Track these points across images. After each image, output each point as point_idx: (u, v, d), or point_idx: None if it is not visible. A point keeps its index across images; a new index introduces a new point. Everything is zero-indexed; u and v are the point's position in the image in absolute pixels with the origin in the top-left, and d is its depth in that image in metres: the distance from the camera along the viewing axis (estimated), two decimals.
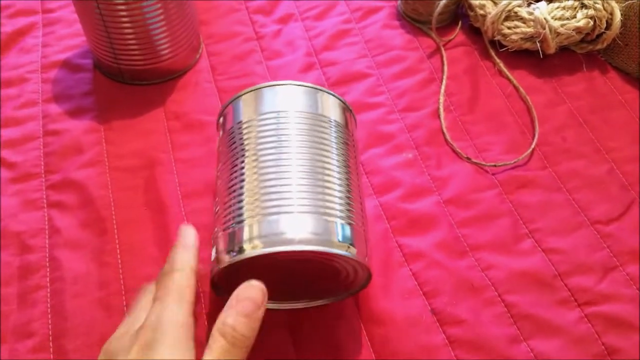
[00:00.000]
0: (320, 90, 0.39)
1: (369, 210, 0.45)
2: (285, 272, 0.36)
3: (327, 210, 0.33)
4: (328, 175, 0.35)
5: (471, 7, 0.55)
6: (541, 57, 0.53)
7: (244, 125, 0.37)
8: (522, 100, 0.52)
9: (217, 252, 0.34)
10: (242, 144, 0.36)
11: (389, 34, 0.57)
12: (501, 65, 0.54)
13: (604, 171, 0.48)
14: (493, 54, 0.55)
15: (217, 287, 0.35)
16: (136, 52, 0.51)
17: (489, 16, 0.53)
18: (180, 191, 0.46)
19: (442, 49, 0.55)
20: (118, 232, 0.43)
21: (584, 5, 0.52)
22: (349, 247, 0.33)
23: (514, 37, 0.53)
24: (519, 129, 0.50)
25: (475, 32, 0.57)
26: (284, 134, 0.36)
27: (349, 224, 0.34)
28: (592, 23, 0.52)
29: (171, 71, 0.54)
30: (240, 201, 0.34)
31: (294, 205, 0.33)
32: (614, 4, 0.52)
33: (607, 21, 0.52)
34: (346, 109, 0.40)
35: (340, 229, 0.33)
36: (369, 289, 0.41)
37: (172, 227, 0.43)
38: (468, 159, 0.48)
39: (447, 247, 0.43)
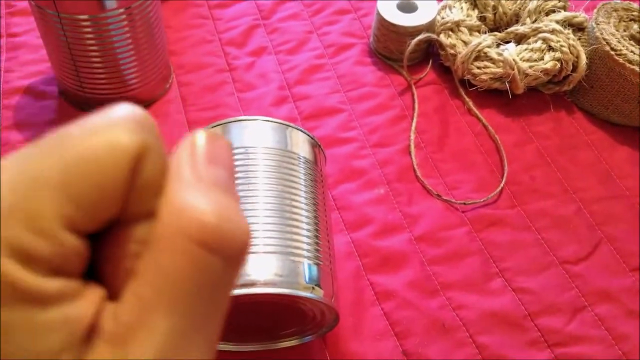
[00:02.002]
0: (290, 126, 0.38)
1: (340, 247, 0.45)
2: (250, 314, 0.34)
3: (294, 250, 0.32)
4: (296, 213, 0.34)
5: (442, 47, 0.56)
6: (510, 97, 0.54)
7: None
8: (491, 139, 0.53)
9: None
10: None
11: (361, 70, 0.58)
12: (470, 104, 0.55)
13: (572, 211, 0.48)
14: (463, 92, 0.55)
15: None
16: (103, 80, 0.49)
17: (460, 56, 0.54)
18: None
19: (413, 87, 0.56)
20: None
21: (551, 48, 0.54)
22: (314, 289, 0.32)
23: (483, 76, 0.54)
24: (488, 167, 0.51)
25: (445, 71, 0.58)
26: (252, 171, 0.35)
27: (316, 264, 0.33)
28: (559, 65, 0.53)
29: (139, 101, 0.52)
30: None
31: (259, 245, 0.31)
32: (580, 47, 0.54)
33: (573, 64, 0.54)
34: (315, 145, 0.40)
35: (306, 270, 0.32)
36: (339, 329, 0.40)
37: None
38: (438, 196, 0.48)
39: (418, 285, 0.43)
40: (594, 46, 0.53)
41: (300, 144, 0.38)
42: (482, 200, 0.48)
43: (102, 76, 0.49)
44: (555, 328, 0.41)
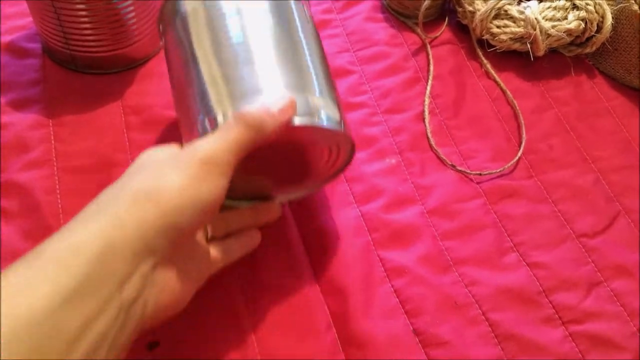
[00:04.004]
0: None
1: (349, 221, 0.43)
2: (265, 163, 0.34)
3: (303, 84, 0.32)
4: (299, 48, 0.34)
5: (460, 3, 0.52)
6: (531, 59, 0.51)
7: (189, 16, 0.35)
8: (509, 105, 0.50)
9: None
10: (191, 34, 0.34)
11: (372, 27, 0.54)
12: (488, 66, 0.52)
13: (590, 182, 0.47)
14: (480, 54, 0.52)
15: None
16: (91, 37, 0.46)
17: (478, 13, 0.51)
18: None
19: (428, 46, 0.53)
20: None
21: (575, 7, 0.50)
22: (333, 122, 0.32)
23: (503, 36, 0.50)
24: (505, 135, 0.49)
25: (462, 30, 0.54)
26: (235, 15, 0.33)
27: (331, 99, 0.33)
28: (583, 25, 0.50)
29: (132, 59, 0.49)
30: (210, 88, 0.32)
31: (271, 83, 0.31)
32: (605, 6, 0.50)
33: (598, 24, 0.50)
34: None
35: (320, 103, 0.32)
36: (347, 308, 0.39)
37: None
38: (453, 166, 0.46)
39: (430, 261, 0.42)
40: (621, 5, 0.50)
41: None
42: (498, 170, 0.46)
43: (89, 32, 0.45)
44: (570, 304, 0.40)
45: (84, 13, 0.44)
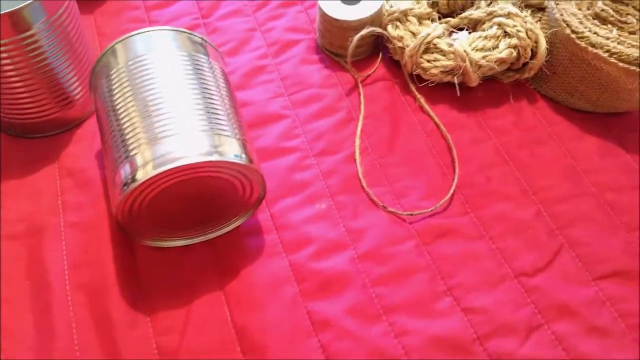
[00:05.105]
0: (173, 30, 0.41)
1: (277, 271, 0.42)
2: (188, 201, 0.37)
3: (212, 126, 0.36)
4: (208, 97, 0.38)
5: (390, 40, 0.51)
6: (467, 90, 0.50)
7: (113, 76, 0.39)
8: (444, 139, 0.49)
9: (113, 195, 0.36)
10: (114, 91, 0.38)
11: (307, 69, 0.54)
12: (422, 100, 0.50)
13: (531, 214, 0.45)
14: (413, 88, 0.51)
15: (126, 230, 0.38)
16: (26, 103, 0.46)
17: (408, 49, 0.50)
18: (67, 262, 0.42)
19: (360, 85, 0.52)
20: None
21: (507, 34, 0.49)
22: (238, 157, 0.36)
23: (434, 70, 0.49)
24: (440, 170, 0.47)
25: (396, 65, 0.53)
26: (151, 72, 0.38)
27: (237, 137, 0.37)
28: (515, 53, 0.48)
29: (68, 121, 0.49)
30: (128, 135, 0.36)
31: (181, 126, 0.35)
32: (538, 31, 0.49)
33: (532, 50, 0.49)
34: (204, 43, 0.43)
35: (223, 141, 0.36)
36: None
37: (54, 308, 0.39)
38: (384, 207, 0.45)
39: (359, 311, 0.40)
40: (554, 29, 0.49)
41: (187, 44, 0.41)
42: (430, 209, 0.44)
43: (24, 98, 0.45)
44: (507, 351, 0.38)
45: (16, 79, 0.44)
